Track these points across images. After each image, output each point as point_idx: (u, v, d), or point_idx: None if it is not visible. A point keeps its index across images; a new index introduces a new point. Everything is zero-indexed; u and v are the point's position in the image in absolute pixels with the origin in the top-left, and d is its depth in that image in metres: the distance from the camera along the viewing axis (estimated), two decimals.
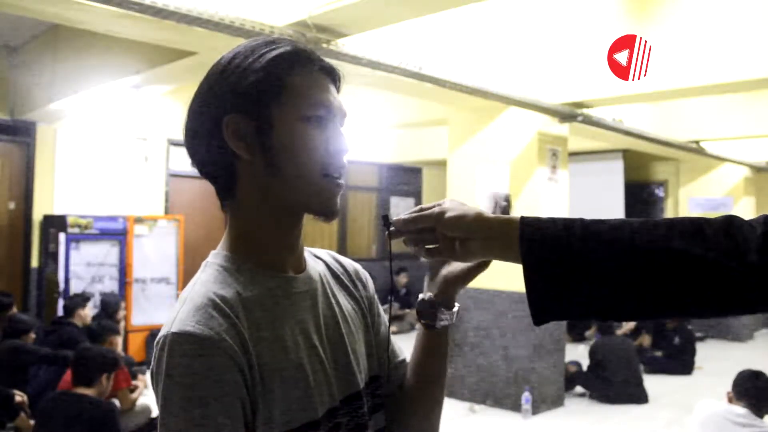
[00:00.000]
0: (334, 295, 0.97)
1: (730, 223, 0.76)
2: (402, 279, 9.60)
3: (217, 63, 0.89)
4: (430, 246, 0.90)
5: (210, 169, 0.89)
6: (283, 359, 0.83)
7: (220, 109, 0.85)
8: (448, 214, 0.85)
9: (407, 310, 9.29)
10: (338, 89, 0.93)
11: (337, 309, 0.96)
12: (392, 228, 0.89)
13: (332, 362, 0.91)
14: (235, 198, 0.89)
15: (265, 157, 0.85)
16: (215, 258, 0.89)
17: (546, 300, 0.79)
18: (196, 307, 0.79)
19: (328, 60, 0.93)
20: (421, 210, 0.89)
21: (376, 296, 1.09)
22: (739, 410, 2.97)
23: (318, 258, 1.02)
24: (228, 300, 0.81)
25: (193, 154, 0.90)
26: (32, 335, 4.69)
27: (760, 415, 3.00)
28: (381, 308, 1.09)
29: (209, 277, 0.85)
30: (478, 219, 0.84)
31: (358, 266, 1.08)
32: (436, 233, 0.87)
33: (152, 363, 0.79)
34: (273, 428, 0.81)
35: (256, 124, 0.85)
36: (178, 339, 0.76)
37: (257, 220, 0.89)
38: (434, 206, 0.88)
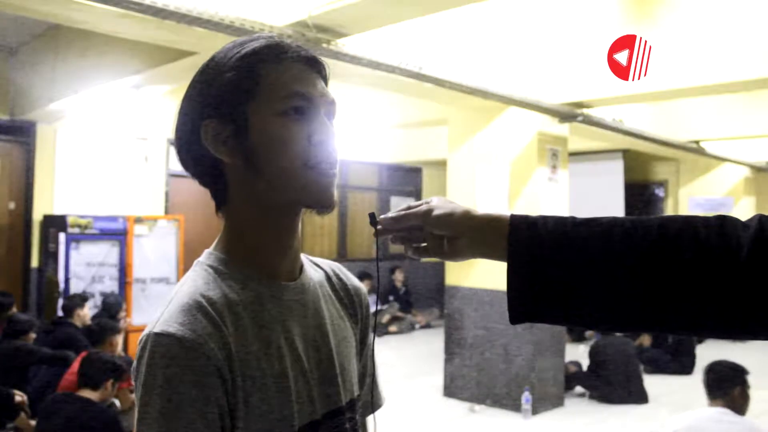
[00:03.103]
0: (327, 308, 0.95)
1: (724, 222, 0.75)
2: (398, 276, 9.61)
3: (199, 68, 0.89)
4: (418, 245, 0.89)
5: (200, 174, 0.89)
6: (266, 367, 0.82)
7: (198, 115, 0.85)
8: (436, 212, 0.84)
9: (408, 315, 9.31)
10: (324, 77, 0.90)
11: (328, 322, 0.93)
12: (379, 226, 0.88)
13: (316, 375, 0.88)
14: (228, 201, 0.88)
15: (245, 158, 0.84)
16: (207, 258, 0.88)
17: (526, 300, 0.78)
18: (181, 308, 0.78)
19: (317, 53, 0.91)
20: (409, 208, 0.87)
21: (370, 324, 1.05)
22: (718, 410, 2.82)
23: (318, 267, 1.00)
24: (215, 302, 0.80)
25: (183, 162, 0.90)
26: (32, 335, 4.69)
27: (734, 408, 2.82)
28: (372, 339, 1.06)
29: (198, 278, 0.84)
30: (466, 216, 0.83)
31: (361, 287, 1.05)
32: (424, 231, 0.87)
33: (135, 360, 0.78)
34: None
35: (232, 126, 0.84)
36: (160, 339, 0.75)
37: (247, 222, 0.87)
38: (422, 204, 0.87)
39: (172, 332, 0.75)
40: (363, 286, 1.06)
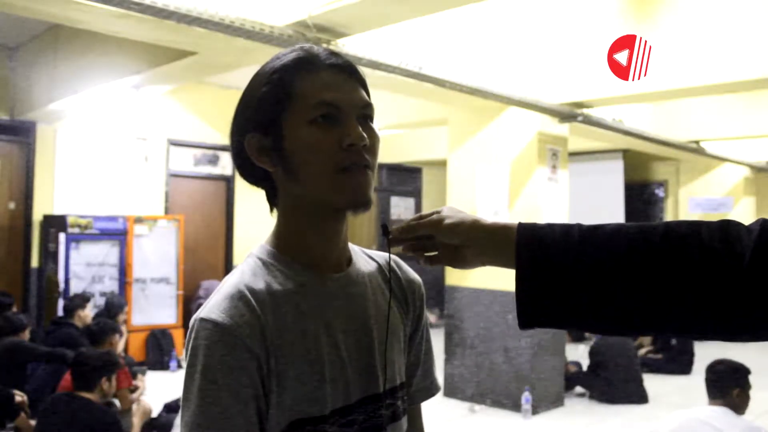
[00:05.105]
0: (374, 299, 0.98)
1: (727, 227, 0.76)
2: None
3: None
4: (429, 253, 0.92)
5: (253, 181, 0.96)
6: (301, 353, 0.86)
7: (242, 130, 0.91)
8: (446, 222, 0.88)
9: None
10: (359, 81, 0.93)
11: (372, 312, 0.96)
12: (391, 236, 0.91)
13: (354, 362, 0.92)
14: (278, 203, 0.95)
15: (284, 166, 0.89)
16: (258, 250, 0.95)
17: (535, 306, 0.80)
18: (225, 297, 0.85)
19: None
20: (420, 217, 0.91)
21: (426, 315, 1.09)
22: (716, 410, 2.78)
23: (371, 259, 1.04)
24: (257, 292, 0.86)
25: (239, 171, 0.96)
26: (26, 333, 4.69)
27: (733, 407, 2.79)
28: (429, 332, 1.09)
29: (247, 268, 0.91)
30: (475, 226, 0.86)
31: (416, 280, 1.08)
32: (435, 240, 0.90)
33: (185, 340, 0.86)
34: (282, 418, 0.84)
35: (271, 138, 0.89)
36: (204, 325, 0.83)
37: (293, 222, 0.93)
38: (432, 214, 0.90)
39: (214, 318, 0.82)
40: (419, 279, 1.08)
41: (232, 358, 0.81)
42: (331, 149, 0.87)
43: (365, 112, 0.91)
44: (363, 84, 0.93)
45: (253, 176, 0.95)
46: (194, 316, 0.85)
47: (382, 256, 1.06)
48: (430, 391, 1.10)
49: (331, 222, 0.92)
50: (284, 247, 0.93)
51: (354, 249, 1.01)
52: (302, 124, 0.88)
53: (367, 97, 0.92)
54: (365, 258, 1.03)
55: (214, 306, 0.84)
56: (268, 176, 0.93)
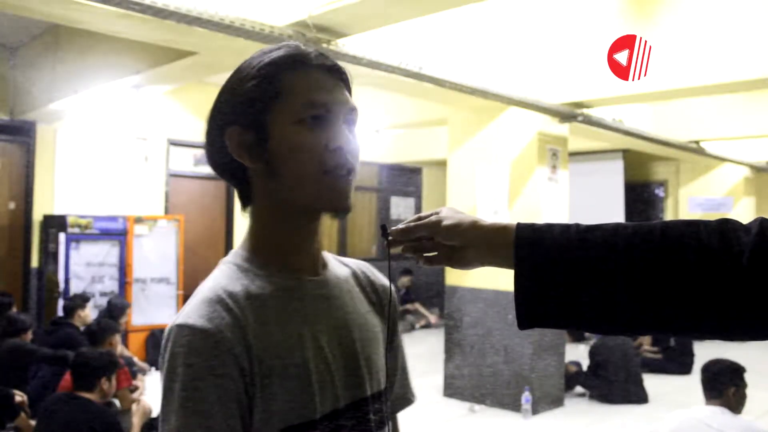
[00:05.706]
0: (352, 302, 0.97)
1: (725, 226, 0.76)
2: (405, 281, 9.60)
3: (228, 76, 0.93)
4: (429, 254, 0.92)
5: (226, 177, 0.93)
6: (286, 357, 0.84)
7: (224, 122, 0.89)
8: (445, 223, 0.87)
9: (408, 306, 9.36)
10: (346, 84, 0.93)
11: (353, 316, 0.95)
12: (390, 237, 0.91)
13: (341, 366, 0.90)
14: (252, 201, 0.92)
15: (265, 163, 0.88)
16: (232, 256, 0.92)
17: (534, 306, 0.80)
18: (203, 302, 0.82)
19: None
20: (419, 218, 0.90)
21: (398, 322, 1.09)
22: (713, 409, 2.79)
23: (345, 265, 1.03)
24: (235, 296, 0.84)
25: (212, 165, 0.94)
26: (29, 334, 4.69)
27: (729, 407, 2.80)
28: (401, 339, 1.09)
29: (222, 273, 0.88)
30: (474, 226, 0.86)
31: (389, 285, 1.07)
32: (433, 242, 0.89)
33: (161, 350, 0.83)
34: (271, 424, 0.82)
35: (253, 133, 0.87)
36: (181, 331, 0.79)
37: (269, 222, 0.91)
38: (431, 215, 0.89)
39: (192, 324, 0.79)
40: (391, 285, 1.07)
41: (214, 364, 0.78)
42: (317, 150, 0.86)
43: (351, 117, 0.91)
44: (349, 88, 0.93)
45: (228, 172, 0.92)
46: (169, 324, 0.81)
47: (354, 262, 1.05)
48: (408, 399, 1.08)
49: (306, 223, 0.91)
50: (259, 250, 0.91)
51: (326, 254, 0.99)
52: (289, 123, 0.87)
53: (352, 101, 0.92)
54: (338, 263, 1.02)
55: (191, 311, 0.81)
56: (243, 173, 0.90)
